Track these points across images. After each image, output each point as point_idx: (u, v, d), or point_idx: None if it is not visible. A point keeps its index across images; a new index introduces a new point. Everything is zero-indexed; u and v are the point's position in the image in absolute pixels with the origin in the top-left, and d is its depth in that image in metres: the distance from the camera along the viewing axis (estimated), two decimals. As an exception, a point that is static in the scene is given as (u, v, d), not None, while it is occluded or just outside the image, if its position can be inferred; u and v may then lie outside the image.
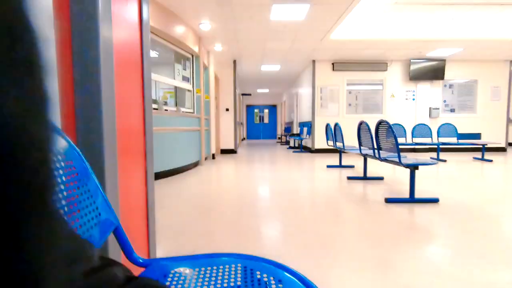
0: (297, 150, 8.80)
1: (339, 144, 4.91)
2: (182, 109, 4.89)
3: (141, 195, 1.28)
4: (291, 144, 10.71)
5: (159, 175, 3.86)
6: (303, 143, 9.02)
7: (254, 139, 16.61)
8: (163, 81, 4.42)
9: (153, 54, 4.71)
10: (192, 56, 5.36)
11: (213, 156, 6.43)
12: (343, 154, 7.04)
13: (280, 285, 0.54)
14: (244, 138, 15.62)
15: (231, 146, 7.64)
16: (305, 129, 8.47)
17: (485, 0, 4.47)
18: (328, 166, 5.21)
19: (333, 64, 7.47)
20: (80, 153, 0.63)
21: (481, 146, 6.91)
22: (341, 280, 1.37)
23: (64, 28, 0.85)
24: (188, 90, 5.30)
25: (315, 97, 7.54)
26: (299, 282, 0.54)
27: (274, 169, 4.93)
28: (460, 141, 6.34)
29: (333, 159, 6.31)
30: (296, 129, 10.47)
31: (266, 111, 16.97)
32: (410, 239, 1.89)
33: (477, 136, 7.57)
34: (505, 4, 4.59)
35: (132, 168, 1.19)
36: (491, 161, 5.86)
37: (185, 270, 0.62)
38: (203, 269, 0.62)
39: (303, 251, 1.71)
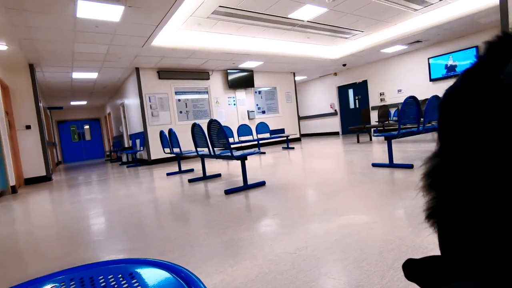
0: (131, 164, 8.06)
1: (176, 150, 4.91)
2: None
3: None
4: (124, 159, 9.70)
5: None
6: (138, 156, 8.40)
7: (75, 161, 13.83)
8: None
9: None
10: (-45, 55, 3.81)
11: (14, 189, 4.84)
12: (182, 160, 7.09)
13: (133, 281, 0.47)
14: (60, 162, 12.71)
15: (42, 173, 6.02)
16: (137, 141, 7.90)
17: (272, 24, 5.74)
18: (168, 174, 5.10)
19: (158, 72, 7.37)
20: None
21: (285, 138, 8.84)
22: (198, 274, 1.37)
23: None
24: (-46, 103, 3.72)
25: (144, 106, 7.19)
26: (154, 267, 0.49)
27: (106, 189, 4.30)
28: (272, 135, 7.87)
29: (173, 167, 6.25)
30: (127, 143, 9.60)
31: (87, 126, 14.52)
32: (250, 218, 2.15)
33: (282, 131, 9.63)
34: (284, 29, 6.08)
35: None
36: (293, 148, 7.62)
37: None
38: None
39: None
